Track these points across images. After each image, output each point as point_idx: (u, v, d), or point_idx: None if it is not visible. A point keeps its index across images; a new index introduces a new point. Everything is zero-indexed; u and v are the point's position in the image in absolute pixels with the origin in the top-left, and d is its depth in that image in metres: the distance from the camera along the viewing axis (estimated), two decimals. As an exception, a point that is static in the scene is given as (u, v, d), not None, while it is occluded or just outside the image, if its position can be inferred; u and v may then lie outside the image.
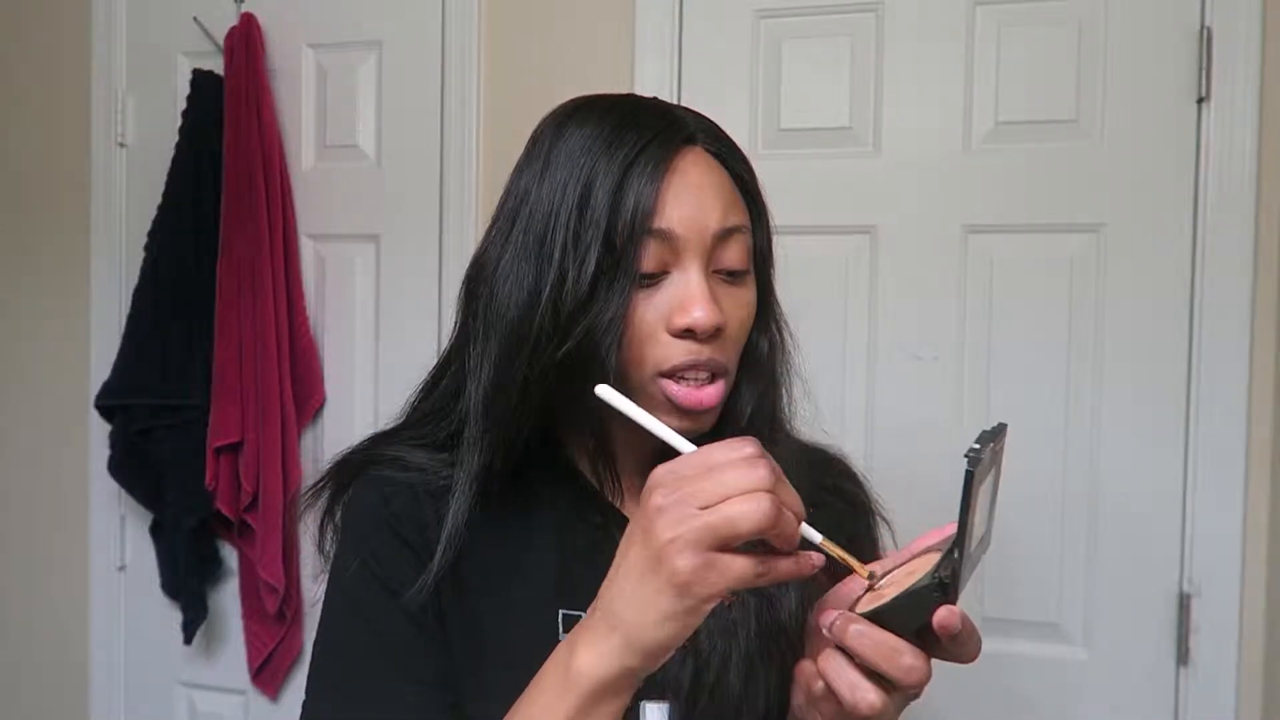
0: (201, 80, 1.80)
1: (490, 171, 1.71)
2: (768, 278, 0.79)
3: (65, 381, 1.95)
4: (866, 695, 0.58)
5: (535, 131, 0.76)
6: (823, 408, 0.86)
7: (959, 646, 0.59)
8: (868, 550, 0.85)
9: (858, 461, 0.92)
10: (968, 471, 0.55)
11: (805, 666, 0.67)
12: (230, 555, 1.85)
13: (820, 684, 0.62)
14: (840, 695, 0.60)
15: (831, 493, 0.84)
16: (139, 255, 1.83)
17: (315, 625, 0.77)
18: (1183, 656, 1.42)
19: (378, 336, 1.79)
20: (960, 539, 0.56)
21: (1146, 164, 1.43)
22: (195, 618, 1.80)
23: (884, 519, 0.89)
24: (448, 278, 1.72)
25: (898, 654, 0.58)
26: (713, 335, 0.70)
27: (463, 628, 0.75)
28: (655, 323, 0.70)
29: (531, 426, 0.74)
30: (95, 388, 1.83)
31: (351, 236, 1.80)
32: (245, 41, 1.76)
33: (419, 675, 0.73)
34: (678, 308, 0.69)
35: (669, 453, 0.61)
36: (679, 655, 0.70)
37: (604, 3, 1.65)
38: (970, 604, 1.47)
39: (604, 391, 0.64)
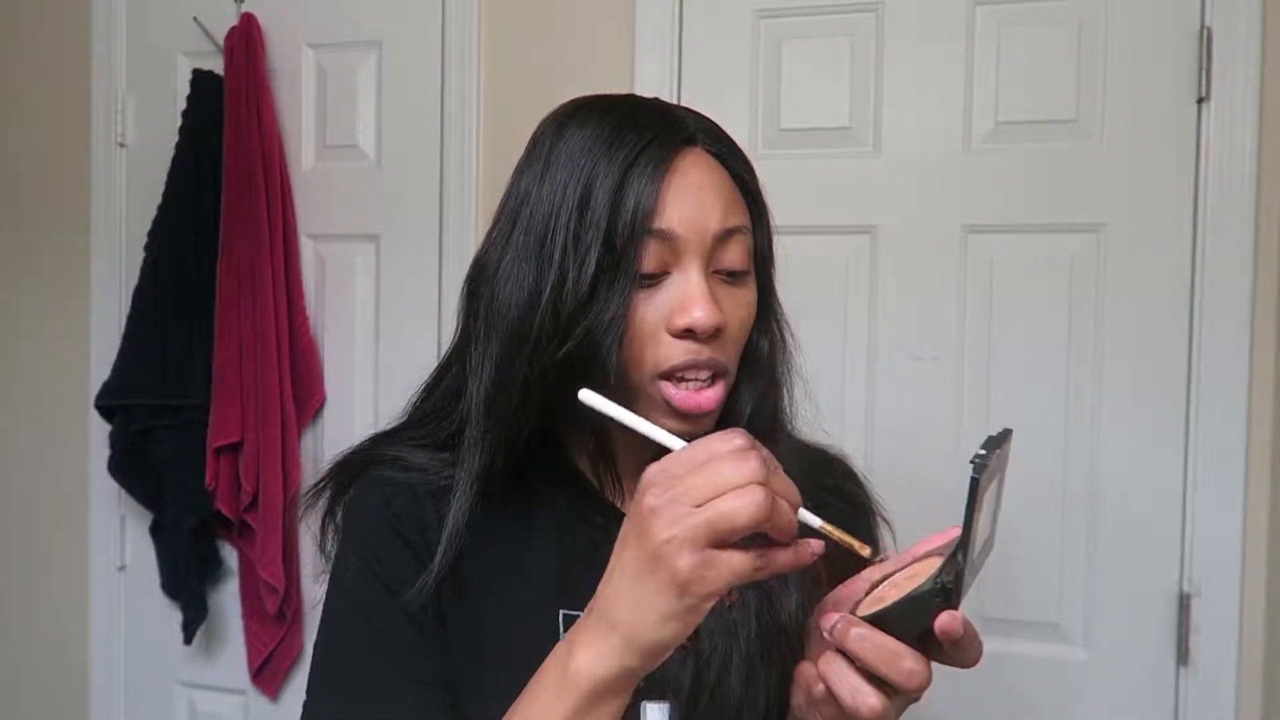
0: (201, 80, 1.80)
1: (490, 171, 1.71)
2: (768, 278, 0.79)
3: (65, 381, 1.95)
4: (867, 699, 0.58)
5: (535, 132, 0.76)
6: (823, 408, 0.86)
7: (960, 651, 0.59)
8: (869, 550, 0.85)
9: (858, 462, 0.92)
10: (972, 478, 0.55)
11: (806, 668, 0.67)
12: (230, 555, 1.85)
13: (821, 686, 0.62)
14: (841, 699, 0.59)
15: (833, 493, 0.84)
16: (139, 255, 1.83)
17: (315, 625, 0.77)
18: (1183, 656, 1.42)
19: (378, 336, 1.79)
20: (964, 544, 0.56)
21: (1146, 164, 1.43)
22: (195, 618, 1.80)
23: (885, 520, 0.89)
24: (448, 278, 1.72)
25: (898, 658, 0.57)
26: (713, 335, 0.70)
27: (463, 628, 0.75)
28: (656, 323, 0.70)
29: (532, 427, 0.74)
30: (95, 388, 1.83)
31: (351, 236, 1.80)
32: (245, 41, 1.76)
33: (419, 675, 0.73)
34: (678, 308, 0.69)
35: (665, 453, 0.61)
36: (679, 656, 0.70)
37: (604, 3, 1.65)
38: (970, 605, 1.46)
39: (587, 396, 0.64)
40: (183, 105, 1.81)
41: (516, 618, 0.75)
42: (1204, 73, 1.40)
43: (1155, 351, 1.43)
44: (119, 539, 1.92)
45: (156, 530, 1.84)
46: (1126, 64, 1.44)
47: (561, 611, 0.75)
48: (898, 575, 0.62)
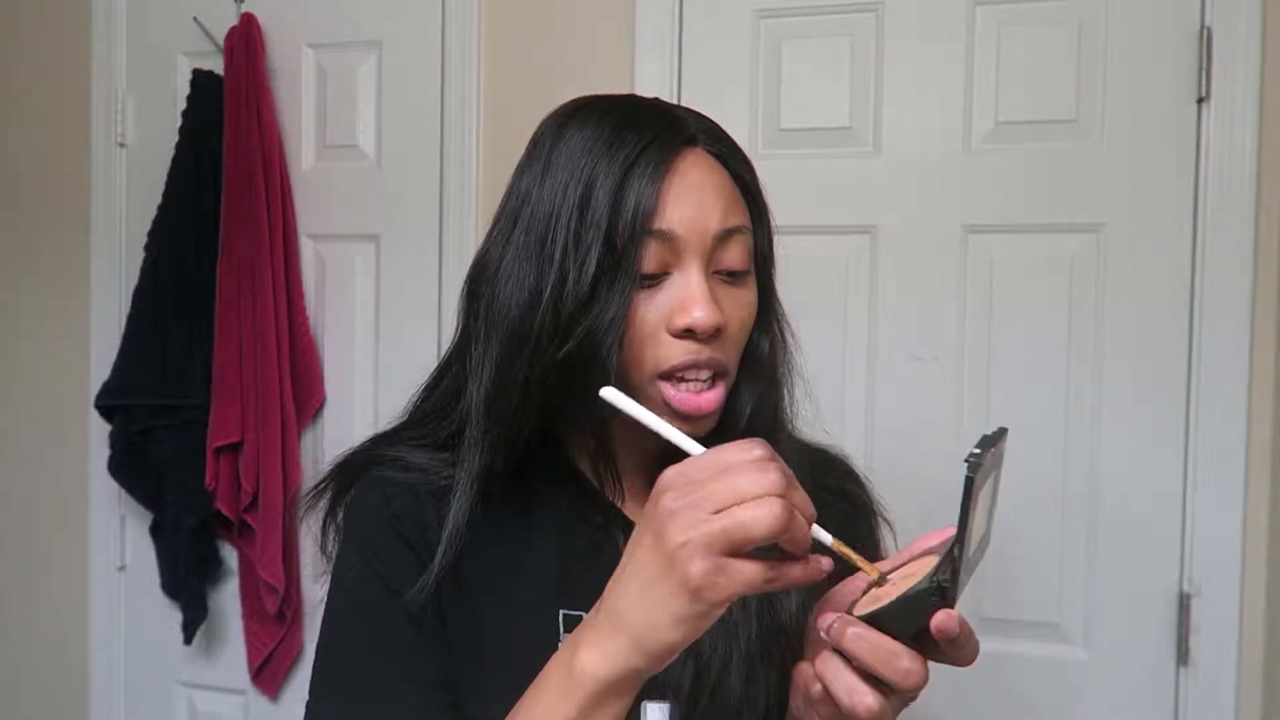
0: (201, 80, 1.80)
1: (490, 171, 1.71)
2: (769, 278, 0.79)
3: (65, 381, 1.95)
4: (864, 699, 0.58)
5: (536, 132, 0.76)
6: (823, 408, 0.86)
7: (957, 650, 0.59)
8: (870, 551, 0.85)
9: (858, 462, 0.92)
10: (967, 476, 0.55)
11: (803, 668, 0.67)
12: (230, 555, 1.85)
13: (818, 686, 0.62)
14: (838, 698, 0.59)
15: (834, 493, 0.84)
16: (139, 255, 1.83)
17: (315, 625, 0.77)
18: (1183, 656, 1.43)
19: (378, 336, 1.79)
20: (959, 543, 0.56)
21: (1146, 164, 1.43)
22: (195, 618, 1.80)
23: (886, 520, 0.89)
24: (448, 278, 1.72)
25: (895, 657, 0.57)
26: (713, 335, 0.70)
27: (463, 627, 0.75)
28: (656, 323, 0.70)
29: (532, 427, 0.74)
30: (95, 388, 1.83)
31: (351, 236, 1.80)
32: (245, 41, 1.76)
33: (420, 675, 0.74)
34: (678, 308, 0.70)
35: (670, 454, 0.61)
36: (680, 656, 0.70)
37: (604, 3, 1.65)
38: (969, 604, 1.47)
39: (609, 394, 0.64)
40: (183, 105, 1.81)
41: (516, 618, 0.75)
42: (1204, 73, 1.40)
43: (1155, 351, 1.43)
44: (119, 539, 1.92)
45: (156, 530, 1.84)
46: (1126, 64, 1.44)
47: (561, 611, 0.75)
48: (895, 574, 0.63)
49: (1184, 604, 1.42)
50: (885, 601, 0.59)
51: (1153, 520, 1.44)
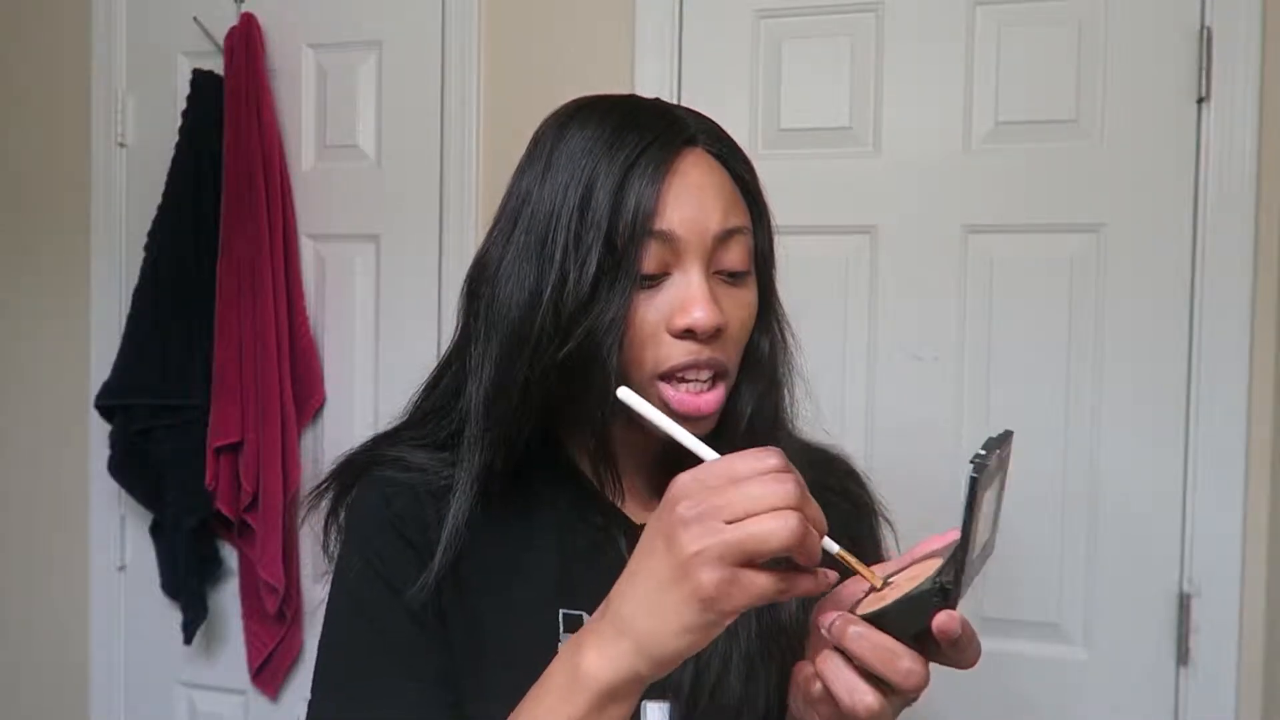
0: (201, 80, 1.80)
1: (490, 171, 1.71)
2: (769, 278, 0.79)
3: (65, 381, 1.95)
4: (864, 698, 0.58)
5: (536, 133, 0.76)
6: (823, 408, 0.87)
7: (958, 652, 0.59)
8: (871, 551, 0.85)
9: (858, 462, 0.92)
10: (972, 478, 0.55)
11: (803, 667, 0.67)
12: (230, 555, 1.85)
13: (818, 685, 0.62)
14: (838, 697, 0.59)
15: (836, 493, 0.84)
16: (139, 255, 1.83)
17: (315, 625, 0.78)
18: (1183, 656, 1.43)
19: (378, 336, 1.79)
20: (963, 545, 0.56)
21: (1146, 164, 1.43)
22: (195, 618, 1.80)
23: (887, 520, 0.89)
24: (448, 278, 1.72)
25: (896, 657, 0.57)
26: (713, 336, 0.70)
27: (463, 627, 0.75)
28: (656, 323, 0.70)
29: (532, 426, 0.74)
30: (95, 388, 1.83)
31: (351, 236, 1.80)
32: (245, 41, 1.76)
33: (421, 674, 0.74)
34: (678, 308, 0.70)
35: (670, 455, 0.61)
36: (681, 656, 0.70)
37: (604, 3, 1.65)
38: (970, 604, 1.47)
39: (625, 395, 0.64)
40: (183, 105, 1.81)
41: (516, 617, 0.75)
42: (1204, 73, 1.40)
43: (1155, 351, 1.43)
44: (119, 539, 1.92)
45: (156, 530, 1.84)
46: (1126, 64, 1.44)
47: (561, 611, 0.75)
48: (898, 576, 0.62)
49: (1184, 604, 1.42)
50: (888, 601, 0.58)
51: (1153, 520, 1.44)
